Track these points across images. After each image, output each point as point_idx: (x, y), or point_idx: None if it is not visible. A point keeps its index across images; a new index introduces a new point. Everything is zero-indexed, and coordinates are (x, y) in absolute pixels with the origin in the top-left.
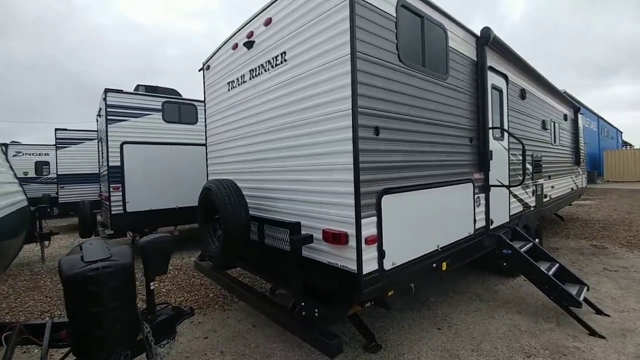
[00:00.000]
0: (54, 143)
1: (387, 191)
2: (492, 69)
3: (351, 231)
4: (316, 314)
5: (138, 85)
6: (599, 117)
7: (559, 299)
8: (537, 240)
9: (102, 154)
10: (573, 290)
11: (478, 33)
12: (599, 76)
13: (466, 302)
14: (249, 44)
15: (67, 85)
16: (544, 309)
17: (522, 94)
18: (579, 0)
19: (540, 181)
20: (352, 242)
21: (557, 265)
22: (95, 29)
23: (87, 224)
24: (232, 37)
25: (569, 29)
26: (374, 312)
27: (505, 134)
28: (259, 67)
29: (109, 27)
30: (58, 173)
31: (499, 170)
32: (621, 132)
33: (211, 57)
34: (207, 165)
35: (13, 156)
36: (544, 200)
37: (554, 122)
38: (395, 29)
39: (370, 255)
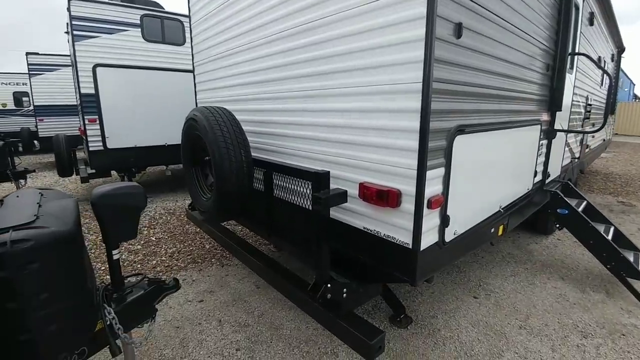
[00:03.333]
0: (27, 70)
1: (462, 130)
2: None
3: (408, 188)
4: (344, 295)
5: None
6: None
7: (617, 268)
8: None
9: (75, 79)
10: (629, 257)
11: None
12: (622, 17)
13: (500, 264)
14: None
15: (43, 12)
16: (588, 276)
17: (591, 19)
18: None
19: (588, 128)
20: (408, 205)
21: (612, 228)
22: None
23: (63, 161)
24: None
25: None
26: None
27: (575, 66)
28: None
29: None
30: (35, 104)
31: (562, 111)
32: (634, 85)
33: None
34: (195, 93)
35: None
36: (586, 150)
37: (605, 62)
38: None
39: (431, 223)
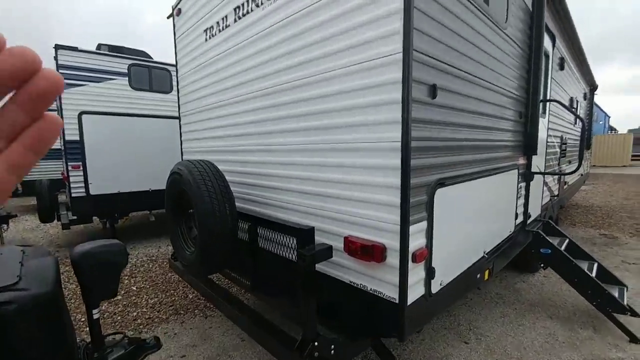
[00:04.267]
0: None
1: (442, 183)
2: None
3: (392, 243)
4: (332, 352)
5: (100, 45)
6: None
7: (603, 305)
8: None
9: None
10: (614, 292)
11: None
12: (592, 59)
13: (488, 306)
14: None
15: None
16: (575, 312)
17: (561, 64)
18: None
19: (564, 166)
20: (393, 259)
21: (596, 264)
22: None
23: (45, 207)
24: None
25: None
26: None
27: (547, 111)
28: (247, 1)
29: None
30: None
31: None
32: (609, 117)
33: None
34: (181, 142)
35: None
36: (564, 187)
37: (578, 101)
38: None
39: (416, 277)
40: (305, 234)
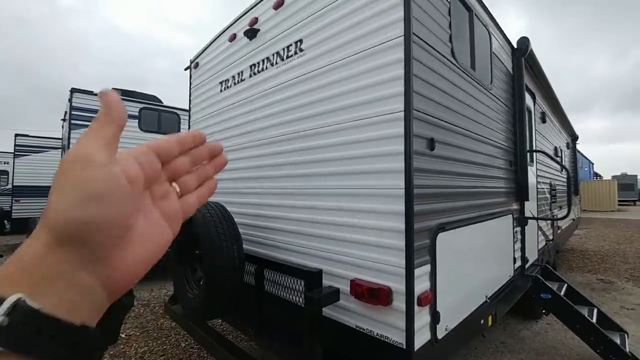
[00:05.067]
0: (13, 150)
1: (443, 227)
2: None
3: (398, 286)
4: None
5: (113, 89)
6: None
7: (606, 352)
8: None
9: None
10: (615, 339)
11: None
12: (573, 111)
13: (494, 355)
14: (252, 33)
15: (41, 92)
16: None
17: (543, 117)
18: (558, 39)
19: (555, 211)
20: (399, 303)
21: (596, 310)
22: (79, 34)
23: None
24: (229, 26)
25: (548, 66)
26: None
27: (534, 160)
28: (263, 60)
29: (93, 33)
30: (14, 184)
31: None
32: (593, 164)
33: (201, 53)
34: None
35: None
36: (558, 231)
37: (562, 150)
38: (449, 17)
39: (422, 321)
40: (313, 277)
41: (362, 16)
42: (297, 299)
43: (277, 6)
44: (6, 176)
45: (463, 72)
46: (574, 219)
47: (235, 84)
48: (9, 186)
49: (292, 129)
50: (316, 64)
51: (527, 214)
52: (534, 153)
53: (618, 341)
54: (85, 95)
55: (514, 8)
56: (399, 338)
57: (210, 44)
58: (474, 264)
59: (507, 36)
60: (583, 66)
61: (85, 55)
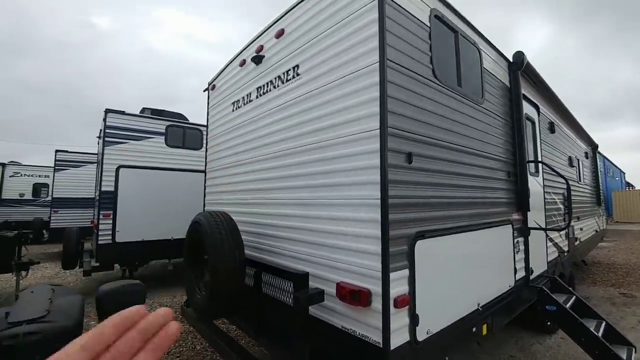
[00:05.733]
0: (53, 165)
1: (422, 235)
2: (524, 97)
3: (375, 288)
4: None
5: (144, 108)
6: (604, 157)
7: None
8: (570, 289)
9: (98, 177)
10: (622, 354)
11: (510, 58)
12: (600, 119)
13: None
14: (258, 59)
15: (81, 111)
16: None
17: (552, 127)
18: (584, 48)
19: (572, 223)
20: (377, 304)
21: (604, 323)
22: (117, 57)
23: (70, 253)
24: (240, 53)
25: (575, 74)
26: None
27: (540, 170)
28: (267, 83)
29: (131, 55)
30: (53, 196)
31: (534, 210)
32: (624, 173)
33: (217, 76)
34: (204, 195)
35: (10, 176)
36: (575, 243)
37: (578, 160)
38: (429, 40)
39: (400, 322)
40: (300, 279)
41: (345, 45)
42: (288, 299)
43: (278, 35)
44: (46, 188)
45: (447, 89)
46: (597, 231)
47: (244, 104)
48: (49, 198)
49: (288, 145)
50: (309, 87)
51: (533, 224)
52: (540, 164)
53: (624, 355)
54: (117, 115)
55: (539, 15)
56: (377, 337)
57: (224, 68)
58: (462, 272)
59: (501, 51)
60: (613, 73)
61: (123, 76)
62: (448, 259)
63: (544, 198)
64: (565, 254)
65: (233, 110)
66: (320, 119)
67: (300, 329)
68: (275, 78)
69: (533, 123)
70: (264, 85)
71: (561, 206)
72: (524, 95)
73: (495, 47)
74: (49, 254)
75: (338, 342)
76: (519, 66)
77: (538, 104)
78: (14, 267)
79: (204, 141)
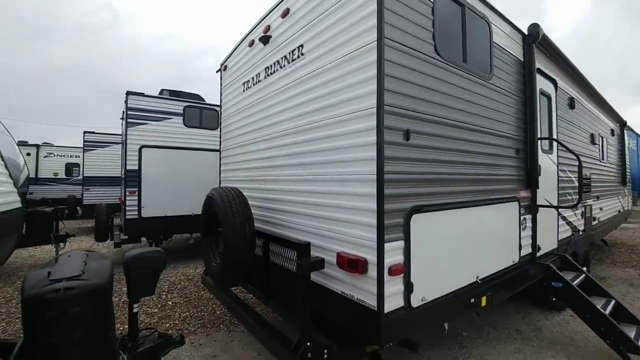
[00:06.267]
0: (82, 145)
1: (418, 209)
2: (540, 71)
3: (371, 257)
4: (325, 356)
5: (162, 90)
6: (638, 135)
7: (616, 343)
8: (585, 269)
9: (122, 157)
10: (631, 332)
11: (525, 31)
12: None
13: (505, 341)
14: (265, 39)
15: (103, 92)
16: (596, 353)
17: (571, 103)
18: (622, 18)
19: (589, 202)
20: (372, 272)
21: (613, 302)
22: (136, 39)
23: (101, 227)
24: (249, 33)
25: (612, 46)
26: (396, 347)
27: (554, 147)
28: (274, 63)
29: (149, 37)
30: (84, 175)
31: (546, 188)
32: None
33: (229, 57)
34: (219, 172)
35: (44, 157)
36: (593, 223)
37: (602, 137)
38: (432, 16)
39: (394, 288)
40: (302, 248)
41: (345, 24)
42: (293, 267)
43: (284, 14)
44: (77, 168)
45: (451, 66)
46: (620, 211)
47: (254, 84)
48: (80, 177)
49: (293, 124)
50: (313, 66)
51: (543, 202)
52: (554, 141)
53: (633, 334)
54: (138, 97)
55: None
56: (372, 302)
57: (234, 49)
58: (461, 246)
59: (516, 25)
60: None
61: (142, 58)
62: (446, 233)
63: (558, 176)
64: (580, 233)
65: (244, 91)
66: (323, 97)
67: (303, 293)
68: (282, 58)
69: (549, 98)
70: (271, 65)
71: (577, 184)
72: (539, 69)
73: (508, 20)
74: (82, 228)
75: (338, 306)
76: (534, 39)
77: (555, 79)
78: (52, 239)
79: (220, 121)
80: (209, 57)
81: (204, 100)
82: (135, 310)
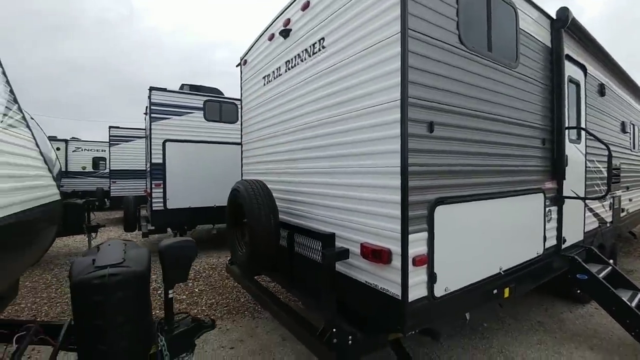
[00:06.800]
0: (108, 140)
1: (442, 201)
2: (568, 58)
3: (395, 248)
4: (350, 342)
5: (183, 85)
6: None
7: None
8: (611, 261)
9: (147, 151)
10: None
11: (553, 15)
12: None
13: (527, 332)
14: (286, 33)
15: (121, 87)
16: (620, 345)
17: (601, 90)
18: None
19: (618, 193)
20: (397, 262)
21: (639, 295)
22: (153, 33)
23: (130, 218)
24: (268, 27)
25: None
26: (418, 336)
27: (583, 137)
28: (295, 57)
29: (164, 30)
30: (111, 168)
31: (573, 179)
32: None
33: (248, 51)
34: (241, 165)
35: (73, 151)
36: (621, 214)
37: (634, 125)
38: (456, 4)
39: (418, 278)
40: (327, 238)
41: (368, 16)
42: (317, 257)
43: (304, 7)
44: (104, 162)
45: (475, 55)
46: None
47: (274, 78)
48: (106, 170)
49: (316, 117)
50: (335, 59)
51: (570, 194)
52: (583, 131)
53: None
54: (161, 92)
55: None
56: (396, 290)
57: (254, 43)
58: (485, 237)
59: (543, 9)
60: None
61: (159, 52)
62: (470, 224)
63: (586, 166)
64: (608, 224)
65: (264, 85)
66: (345, 90)
67: (328, 282)
68: (303, 51)
69: (578, 86)
70: (292, 59)
71: (606, 175)
72: (568, 55)
73: (535, 4)
74: (110, 219)
75: (361, 294)
76: (563, 23)
77: (585, 64)
78: (85, 229)
79: (239, 115)
80: (223, 50)
81: (223, 94)
82: (170, 295)
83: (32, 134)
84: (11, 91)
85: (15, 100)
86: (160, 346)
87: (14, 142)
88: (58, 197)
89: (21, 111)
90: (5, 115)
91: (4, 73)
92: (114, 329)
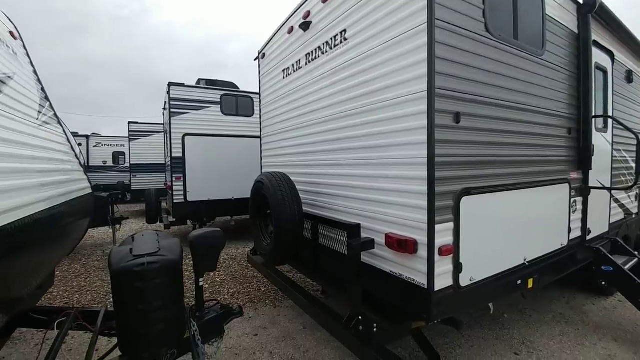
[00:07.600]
0: (127, 135)
1: (468, 192)
2: (596, 44)
3: (421, 238)
4: (375, 330)
5: (199, 79)
6: None
7: None
8: (637, 253)
9: (167, 145)
10: None
11: (580, 0)
12: None
13: (549, 324)
14: (305, 26)
15: (137, 82)
16: None
17: (629, 77)
18: None
19: None
20: (423, 252)
21: None
22: (166, 28)
23: (152, 211)
24: (287, 20)
25: None
26: (439, 326)
27: (609, 125)
28: (315, 50)
29: (176, 24)
30: (131, 163)
31: (599, 169)
32: None
33: (266, 45)
34: (261, 158)
35: (94, 147)
36: None
37: None
38: None
39: (444, 268)
40: (353, 229)
41: (392, 7)
42: (342, 248)
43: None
44: (123, 156)
45: (502, 43)
46: None
47: (294, 71)
48: (126, 164)
49: (338, 109)
50: (357, 51)
51: (595, 184)
52: (610, 119)
53: None
54: (179, 87)
55: None
56: (422, 280)
57: (273, 36)
58: (509, 227)
59: None
60: None
61: (173, 46)
62: (495, 215)
63: (612, 156)
64: (634, 215)
65: (284, 78)
66: (369, 82)
67: (354, 272)
68: (324, 44)
69: (605, 73)
70: (312, 52)
71: (634, 165)
72: (595, 41)
73: None
74: (132, 211)
75: (387, 284)
76: (590, 8)
77: (613, 51)
78: (109, 221)
79: (255, 108)
80: (235, 43)
81: (238, 88)
82: (200, 283)
83: (64, 130)
84: (43, 89)
85: (47, 98)
86: (193, 331)
87: (50, 139)
88: (90, 190)
89: (52, 108)
90: (39, 112)
91: (35, 72)
92: (154, 313)
